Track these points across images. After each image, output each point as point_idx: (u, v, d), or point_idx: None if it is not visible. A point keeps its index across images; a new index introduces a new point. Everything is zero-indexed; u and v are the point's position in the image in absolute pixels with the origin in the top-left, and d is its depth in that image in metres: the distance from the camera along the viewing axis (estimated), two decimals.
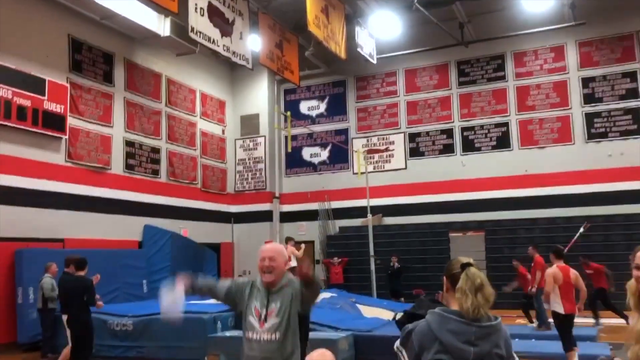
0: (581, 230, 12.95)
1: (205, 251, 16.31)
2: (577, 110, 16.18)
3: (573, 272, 7.49)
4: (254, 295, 3.20)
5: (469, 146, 17.10)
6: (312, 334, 8.21)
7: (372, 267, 14.50)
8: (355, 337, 8.63)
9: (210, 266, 16.39)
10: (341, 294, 13.20)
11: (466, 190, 16.63)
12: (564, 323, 7.21)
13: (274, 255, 3.13)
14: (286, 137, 10.48)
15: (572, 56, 16.43)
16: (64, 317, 7.40)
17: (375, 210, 16.31)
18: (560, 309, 7.23)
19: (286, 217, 18.58)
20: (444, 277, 2.45)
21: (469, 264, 2.36)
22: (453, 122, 17.37)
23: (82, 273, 7.42)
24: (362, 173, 15.31)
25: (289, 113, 10.56)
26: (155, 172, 15.48)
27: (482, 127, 17.09)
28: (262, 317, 3.10)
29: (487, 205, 16.34)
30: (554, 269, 7.39)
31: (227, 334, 8.94)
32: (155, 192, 15.29)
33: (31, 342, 10.54)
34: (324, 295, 12.36)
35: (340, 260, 15.95)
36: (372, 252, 14.62)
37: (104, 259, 12.45)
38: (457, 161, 17.09)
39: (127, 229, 14.10)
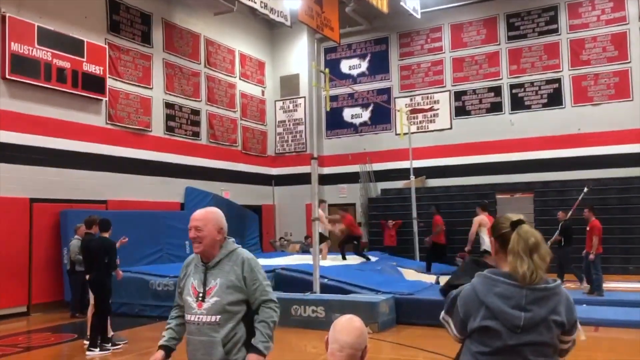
0: (585, 190, 12.57)
1: (247, 213, 16.36)
2: (637, 64, 15.17)
3: None
4: (192, 272, 2.81)
5: (518, 104, 16.36)
6: (352, 297, 8.26)
7: (415, 229, 14.23)
8: (396, 300, 8.49)
9: (252, 228, 16.49)
10: (383, 257, 13.15)
11: (514, 150, 16.00)
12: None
13: (200, 224, 2.75)
14: (326, 97, 10.08)
15: (632, 6, 15.32)
16: (87, 278, 7.39)
17: (419, 172, 16.01)
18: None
19: (327, 179, 18.43)
20: (492, 238, 2.17)
21: (520, 222, 2.07)
22: (501, 79, 16.61)
23: (106, 234, 7.34)
24: (405, 134, 14.88)
25: (327, 70, 10.17)
26: (196, 135, 15.45)
27: (532, 83, 16.29)
28: (200, 296, 2.70)
29: (536, 165, 15.70)
30: (482, 217, 9.75)
31: None
32: (196, 154, 15.29)
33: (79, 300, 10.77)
34: (364, 258, 12.23)
35: (394, 222, 15.72)
36: (414, 215, 14.32)
37: (147, 220, 12.72)
38: (505, 120, 16.42)
39: (169, 191, 14.20)
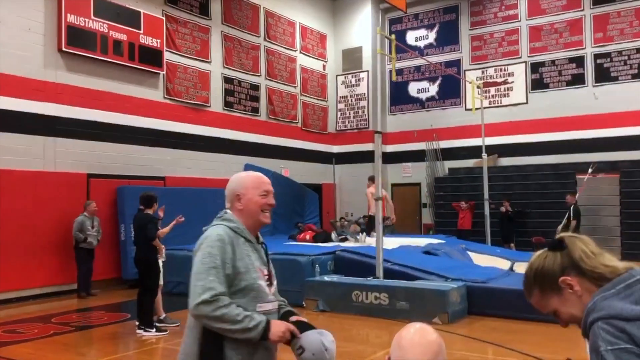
0: (590, 170, 12.37)
1: (307, 192, 16.06)
2: None
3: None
4: (246, 250, 2.30)
5: (603, 76, 15.02)
6: (419, 284, 7.87)
7: (487, 211, 13.46)
8: (469, 289, 7.89)
9: (312, 207, 16.16)
10: (450, 240, 12.55)
11: (598, 126, 14.78)
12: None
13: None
14: (391, 71, 9.39)
15: None
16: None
17: (490, 149, 15.07)
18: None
19: (390, 158, 17.85)
20: (560, 279, 1.54)
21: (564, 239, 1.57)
22: (584, 48, 15.31)
23: (149, 211, 7.06)
24: (476, 109, 14.05)
25: (393, 37, 9.44)
26: (255, 110, 15.20)
27: (620, 53, 14.86)
28: (268, 278, 2.31)
29: (623, 143, 14.39)
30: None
31: (326, 278, 8.58)
32: (255, 131, 15.08)
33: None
34: (431, 240, 11.79)
35: (467, 204, 15.03)
36: (486, 196, 13.53)
37: (204, 197, 12.45)
38: (588, 93, 15.15)
39: (227, 168, 13.92)
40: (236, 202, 2.36)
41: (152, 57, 12.03)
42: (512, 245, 13.82)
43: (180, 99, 12.94)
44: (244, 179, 2.45)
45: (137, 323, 7.15)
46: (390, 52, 9.67)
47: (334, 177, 17.91)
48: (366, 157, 17.16)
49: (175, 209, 8.81)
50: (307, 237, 11.71)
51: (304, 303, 8.38)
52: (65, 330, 7.36)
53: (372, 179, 11.64)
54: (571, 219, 12.59)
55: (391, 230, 15.90)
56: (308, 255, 8.85)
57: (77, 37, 10.60)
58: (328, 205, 17.56)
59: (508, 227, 14.07)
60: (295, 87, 16.65)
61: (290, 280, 8.48)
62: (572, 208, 12.28)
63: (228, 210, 2.36)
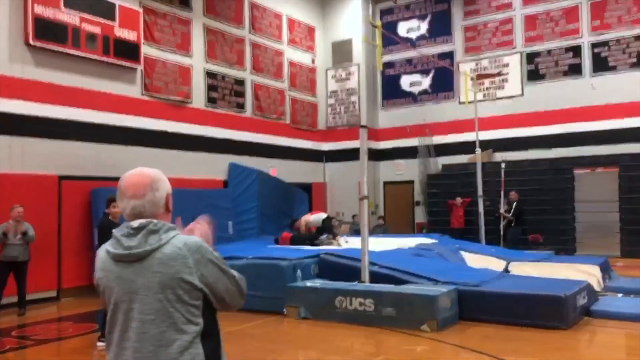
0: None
1: (296, 192, 15.82)
2: None
3: None
4: None
5: (601, 65, 14.67)
6: (407, 288, 7.59)
7: (481, 209, 13.10)
8: (460, 293, 7.51)
9: (301, 207, 15.84)
10: (443, 239, 12.28)
11: (596, 118, 14.47)
12: None
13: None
14: (378, 54, 8.95)
15: None
16: None
17: (485, 145, 14.84)
18: None
19: (382, 155, 17.68)
20: None
21: None
22: (581, 37, 14.96)
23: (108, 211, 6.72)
24: (470, 102, 13.85)
25: (379, 23, 9.00)
26: (240, 106, 14.80)
27: (618, 41, 14.49)
28: None
29: (623, 135, 14.07)
30: None
31: (309, 283, 8.23)
32: (241, 128, 14.69)
33: None
34: (423, 240, 11.56)
35: (462, 201, 14.83)
36: (480, 193, 13.21)
37: (187, 198, 11.92)
38: (585, 84, 14.82)
39: (211, 167, 13.66)
40: (168, 204, 2.10)
41: (128, 51, 11.58)
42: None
43: (160, 95, 12.53)
44: (159, 172, 2.14)
45: (99, 334, 6.71)
46: (376, 41, 9.21)
47: (324, 176, 17.62)
48: (358, 154, 16.81)
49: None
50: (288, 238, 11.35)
51: (285, 310, 8.04)
52: (24, 345, 6.89)
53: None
54: (511, 215, 13.15)
55: (383, 230, 15.67)
56: (289, 260, 8.47)
57: (46, 30, 10.12)
58: (318, 205, 17.13)
59: (513, 232, 13.46)
60: (282, 81, 16.28)
61: (270, 286, 8.24)
62: (514, 204, 13.18)
63: (164, 222, 2.04)
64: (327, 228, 12.03)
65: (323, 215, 12.62)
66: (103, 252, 2.04)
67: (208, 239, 2.11)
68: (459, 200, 14.89)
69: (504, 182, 13.52)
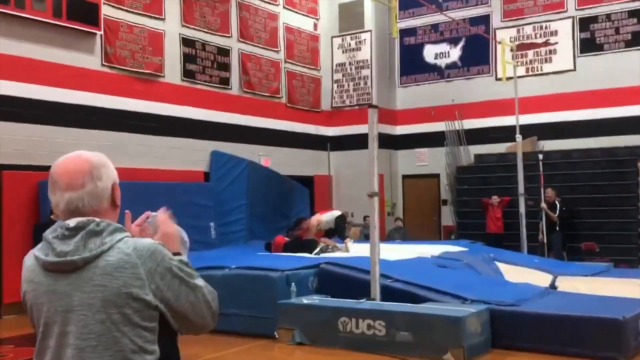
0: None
1: (294, 187, 15.90)
2: None
3: None
4: None
5: None
6: (427, 307, 7.51)
7: (522, 210, 13.08)
8: (493, 314, 7.42)
9: (300, 206, 15.95)
10: (475, 247, 12.29)
11: None
12: None
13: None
14: (400, 30, 8.85)
15: None
16: None
17: (528, 130, 14.83)
18: None
19: (401, 142, 17.83)
20: None
21: None
22: None
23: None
24: (509, 78, 13.77)
25: None
26: (225, 82, 14.85)
27: None
28: None
29: None
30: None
31: (305, 300, 8.20)
32: (225, 109, 14.71)
33: None
34: (450, 248, 11.65)
35: (500, 200, 14.88)
36: (521, 190, 13.22)
37: (159, 194, 12.16)
38: None
39: (188, 156, 13.70)
40: (115, 197, 2.01)
41: (85, 12, 11.57)
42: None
43: (125, 67, 12.52)
44: (103, 157, 2.04)
45: None
46: (391, 1, 9.09)
47: (329, 168, 17.64)
48: None
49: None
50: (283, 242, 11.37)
51: (276, 334, 7.97)
52: None
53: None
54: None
55: (402, 235, 15.64)
56: (282, 270, 8.44)
57: None
58: (322, 204, 17.08)
59: (557, 236, 13.60)
60: (277, 51, 16.32)
61: (258, 304, 8.23)
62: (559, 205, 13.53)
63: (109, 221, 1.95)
64: (340, 229, 12.03)
65: (336, 213, 12.60)
66: (30, 259, 1.96)
67: (172, 240, 2.06)
68: (495, 199, 14.81)
69: (543, 177, 13.55)
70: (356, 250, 10.91)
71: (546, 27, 16.07)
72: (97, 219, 1.89)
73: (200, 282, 1.97)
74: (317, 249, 11.11)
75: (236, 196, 14.10)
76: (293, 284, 8.31)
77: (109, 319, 1.80)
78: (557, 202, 13.67)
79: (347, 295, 8.10)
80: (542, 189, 13.51)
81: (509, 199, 14.71)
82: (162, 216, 2.14)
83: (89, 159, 1.96)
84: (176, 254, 1.99)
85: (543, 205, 13.41)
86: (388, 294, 8.02)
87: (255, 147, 15.28)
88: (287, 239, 12.02)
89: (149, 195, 11.53)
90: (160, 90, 13.24)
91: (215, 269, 8.73)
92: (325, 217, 12.68)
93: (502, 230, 14.76)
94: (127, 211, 2.09)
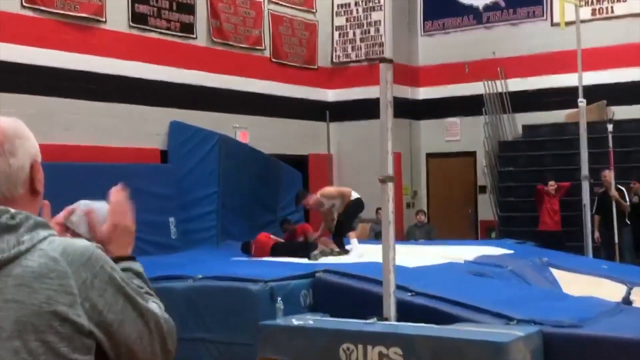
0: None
1: (282, 170, 16.05)
2: None
3: None
4: None
5: None
6: (456, 329, 7.45)
7: (586, 198, 13.11)
8: (547, 338, 7.32)
9: (291, 194, 15.78)
10: (523, 248, 12.46)
11: None
12: None
13: None
14: None
15: None
16: None
17: (594, 93, 14.85)
18: None
19: (424, 109, 18.04)
20: None
21: None
22: None
23: None
24: (568, 23, 13.78)
25: None
26: (188, 29, 14.97)
27: None
28: None
29: None
30: None
31: (295, 321, 8.01)
32: (189, 65, 14.80)
33: None
34: (489, 250, 11.78)
35: (556, 186, 14.88)
36: (585, 172, 13.20)
37: (100, 179, 12.02)
38: None
39: (139, 130, 13.80)
40: (35, 180, 1.95)
41: None
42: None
43: (53, 10, 12.57)
44: (20, 125, 1.98)
45: None
46: None
47: (329, 144, 17.78)
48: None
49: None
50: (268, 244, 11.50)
51: None
52: None
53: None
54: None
55: (426, 233, 15.65)
56: (265, 281, 8.40)
57: None
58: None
59: (628, 232, 13.81)
60: None
61: (233, 326, 8.25)
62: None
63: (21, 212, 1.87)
64: (350, 217, 11.95)
65: (355, 194, 12.40)
66: None
67: (124, 237, 2.10)
68: (553, 185, 14.80)
69: (612, 154, 13.56)
70: (365, 252, 10.90)
71: None
72: (12, 210, 1.83)
73: (154, 306, 1.93)
74: (317, 252, 11.13)
75: (204, 183, 14.16)
76: (279, 299, 8.22)
77: (25, 349, 1.72)
78: (622, 188, 13.75)
79: (352, 314, 8.04)
80: (611, 172, 13.54)
81: (569, 184, 14.77)
82: (115, 198, 2.11)
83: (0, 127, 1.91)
84: (127, 259, 1.98)
85: (614, 192, 13.41)
86: (406, 311, 7.97)
87: (229, 116, 15.39)
88: (274, 238, 12.02)
89: (84, 181, 11.60)
90: (101, 40, 13.29)
91: (176, 280, 8.71)
92: (338, 192, 12.43)
93: (560, 227, 14.85)
94: (44, 202, 2.03)
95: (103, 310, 1.78)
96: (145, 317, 1.87)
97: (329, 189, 12.76)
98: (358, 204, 12.18)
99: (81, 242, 1.85)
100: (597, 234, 13.60)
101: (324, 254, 11.25)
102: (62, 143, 12.20)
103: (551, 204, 14.94)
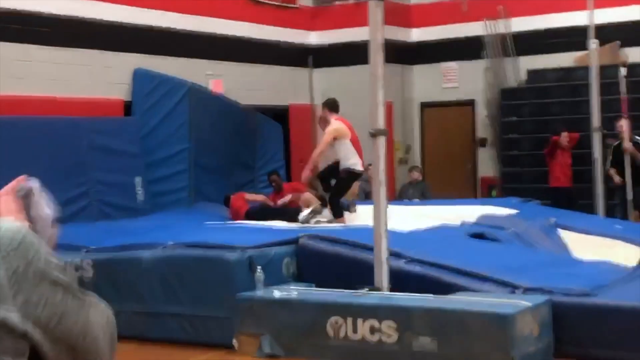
0: None
1: (260, 122, 16.15)
2: None
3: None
4: None
5: None
6: (456, 299, 7.65)
7: (596, 153, 13.30)
8: (557, 308, 7.49)
9: (270, 151, 16.27)
10: (528, 207, 12.71)
11: None
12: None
13: None
14: None
15: None
16: None
17: (606, 33, 14.81)
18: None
19: (419, 52, 18.02)
20: None
21: None
22: None
23: None
24: None
25: None
26: None
27: None
28: None
29: None
30: (338, 124, 11.85)
31: (277, 293, 8.18)
32: (155, 5, 14.67)
33: None
34: (491, 210, 11.91)
35: (568, 136, 14.94)
36: (596, 123, 13.34)
37: (55, 134, 12.44)
38: None
39: (98, 78, 13.68)
40: None
41: None
42: None
43: None
44: None
45: None
46: None
47: (312, 94, 17.75)
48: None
49: None
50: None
51: (234, 342, 8.03)
52: None
53: (331, 106, 12.27)
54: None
55: (421, 192, 15.64)
56: (242, 248, 8.45)
57: None
58: (301, 147, 17.28)
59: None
60: None
61: (208, 299, 8.35)
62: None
63: None
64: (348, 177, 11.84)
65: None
66: None
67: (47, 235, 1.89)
68: (565, 136, 14.76)
69: (628, 102, 13.53)
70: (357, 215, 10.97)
71: None
72: None
73: (94, 297, 1.85)
74: (306, 213, 11.11)
75: (173, 138, 14.21)
76: (259, 268, 8.29)
77: None
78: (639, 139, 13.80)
79: (341, 284, 8.17)
80: (624, 123, 13.54)
81: (578, 135, 14.85)
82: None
83: None
84: None
85: (627, 144, 13.37)
86: (401, 280, 8.06)
87: (200, 62, 15.36)
88: (253, 197, 12.02)
89: (37, 137, 11.76)
90: None
91: (143, 248, 8.78)
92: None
93: (571, 184, 14.91)
94: None
95: (39, 305, 1.69)
96: (90, 310, 1.77)
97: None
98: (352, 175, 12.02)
99: (11, 223, 1.74)
100: (617, 178, 13.58)
101: (316, 213, 11.23)
102: (11, 94, 12.13)
103: (564, 158, 15.00)
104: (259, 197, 12.71)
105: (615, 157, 13.69)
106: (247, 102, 15.63)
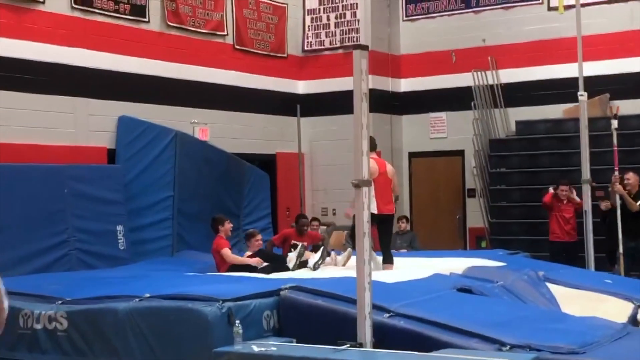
0: None
1: (247, 170, 16.13)
2: None
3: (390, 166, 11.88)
4: None
5: None
6: (443, 355, 7.38)
7: (588, 205, 13.10)
8: None
9: (256, 199, 16.25)
10: (516, 260, 12.66)
11: None
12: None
13: None
14: None
15: None
16: None
17: (596, 85, 14.93)
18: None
19: (407, 102, 18.03)
20: None
21: None
22: None
23: None
24: (567, 7, 13.82)
25: None
26: (139, 12, 14.80)
27: None
28: None
29: None
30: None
31: (256, 348, 7.89)
32: (141, 53, 14.72)
33: None
34: (479, 262, 11.85)
35: (567, 188, 14.73)
36: (586, 175, 13.15)
37: (38, 182, 12.45)
38: None
39: (84, 126, 13.71)
40: None
41: None
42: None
43: None
44: None
45: None
46: None
47: (300, 143, 17.74)
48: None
49: None
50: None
51: None
52: None
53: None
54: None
55: (408, 242, 15.52)
56: (220, 300, 8.29)
57: None
58: (289, 195, 17.48)
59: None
60: None
61: (185, 352, 8.17)
62: None
63: None
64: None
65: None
66: None
67: None
68: (564, 190, 14.67)
69: (617, 154, 13.47)
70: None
71: None
72: None
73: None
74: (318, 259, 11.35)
75: (157, 186, 14.19)
76: (238, 321, 8.10)
77: None
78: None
79: (324, 338, 7.96)
80: (616, 173, 13.44)
81: (567, 186, 14.73)
82: None
83: None
84: None
85: (619, 187, 13.28)
86: (385, 335, 7.94)
87: (187, 110, 15.36)
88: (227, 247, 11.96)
89: (19, 184, 11.80)
90: (40, 23, 13.14)
91: (119, 299, 8.63)
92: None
93: (574, 238, 14.55)
94: None
95: None
96: None
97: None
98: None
99: None
100: (604, 204, 13.72)
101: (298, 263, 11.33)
102: (6, 142, 12.22)
103: (561, 211, 14.83)
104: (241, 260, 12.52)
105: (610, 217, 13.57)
106: (233, 150, 15.70)
